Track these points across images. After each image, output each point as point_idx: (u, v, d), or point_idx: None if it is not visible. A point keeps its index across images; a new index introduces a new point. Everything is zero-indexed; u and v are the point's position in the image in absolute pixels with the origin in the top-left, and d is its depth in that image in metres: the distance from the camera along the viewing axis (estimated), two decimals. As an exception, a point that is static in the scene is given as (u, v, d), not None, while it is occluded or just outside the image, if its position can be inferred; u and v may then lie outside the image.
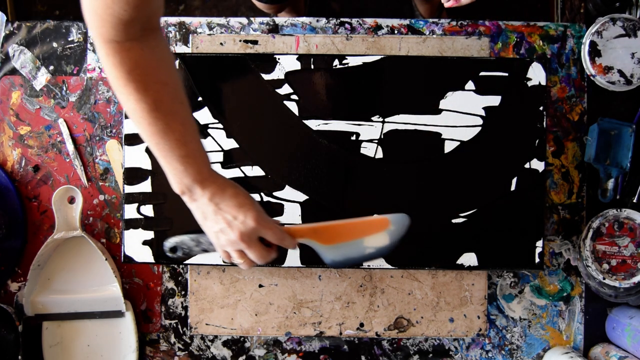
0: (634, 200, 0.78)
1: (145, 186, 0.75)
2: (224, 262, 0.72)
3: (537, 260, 0.74)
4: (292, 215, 0.75)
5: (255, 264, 0.61)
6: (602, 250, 0.75)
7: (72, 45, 0.83)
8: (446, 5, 0.73)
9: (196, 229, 0.61)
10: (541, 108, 0.74)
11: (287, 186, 0.75)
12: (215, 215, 0.58)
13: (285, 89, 0.75)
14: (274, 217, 0.74)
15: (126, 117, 0.75)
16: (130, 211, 0.75)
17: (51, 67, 0.83)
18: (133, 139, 0.75)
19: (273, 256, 0.61)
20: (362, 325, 0.78)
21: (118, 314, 0.79)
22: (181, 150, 0.56)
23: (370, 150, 0.75)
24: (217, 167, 0.75)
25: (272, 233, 0.59)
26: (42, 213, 0.82)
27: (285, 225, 0.63)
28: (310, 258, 0.75)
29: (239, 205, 0.57)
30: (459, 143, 0.75)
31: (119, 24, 0.51)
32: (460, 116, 0.75)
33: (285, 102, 0.75)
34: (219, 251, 0.61)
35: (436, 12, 1.38)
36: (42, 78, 0.83)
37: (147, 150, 0.75)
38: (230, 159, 0.75)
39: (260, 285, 0.78)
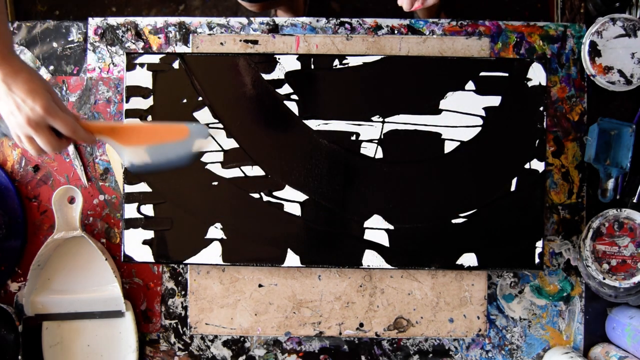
0: (634, 200, 0.78)
1: (145, 186, 0.75)
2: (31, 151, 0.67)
3: (537, 260, 0.74)
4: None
5: (45, 151, 0.61)
6: (602, 250, 0.75)
7: (72, 45, 0.83)
8: (406, 9, 0.72)
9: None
10: (541, 108, 0.74)
11: (287, 186, 0.75)
12: (6, 97, 0.59)
13: (285, 89, 0.75)
14: (274, 217, 0.75)
15: (126, 116, 0.75)
16: (130, 211, 0.75)
17: (51, 67, 0.83)
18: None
19: (64, 146, 0.62)
20: (361, 325, 0.78)
21: (118, 314, 0.79)
22: None
23: (370, 150, 0.75)
24: (217, 167, 0.75)
25: (62, 124, 0.60)
26: (42, 213, 0.82)
27: (83, 120, 0.64)
28: (310, 258, 0.75)
29: (29, 90, 0.58)
30: (459, 143, 0.75)
31: None
32: (460, 116, 0.75)
33: (285, 102, 0.75)
34: (11, 135, 0.61)
35: (435, 12, 1.38)
36: (42, 78, 0.83)
37: (148, 69, 0.75)
38: (230, 159, 0.75)
39: (260, 285, 0.78)
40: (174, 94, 0.75)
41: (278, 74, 0.75)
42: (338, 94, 0.75)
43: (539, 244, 0.74)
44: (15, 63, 0.59)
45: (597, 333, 0.80)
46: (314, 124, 0.75)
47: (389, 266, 0.74)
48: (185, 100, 0.75)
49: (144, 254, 0.75)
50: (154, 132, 0.66)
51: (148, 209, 0.75)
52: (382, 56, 0.75)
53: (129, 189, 0.75)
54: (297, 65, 0.75)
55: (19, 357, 0.76)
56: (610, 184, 0.78)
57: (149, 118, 0.75)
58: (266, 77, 0.75)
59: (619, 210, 0.74)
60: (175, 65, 0.75)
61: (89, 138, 0.63)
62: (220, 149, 0.75)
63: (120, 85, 0.82)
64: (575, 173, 0.81)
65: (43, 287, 0.79)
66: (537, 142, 0.74)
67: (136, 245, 0.75)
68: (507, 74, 0.74)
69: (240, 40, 0.80)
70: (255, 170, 0.75)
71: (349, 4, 1.48)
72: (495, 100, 0.74)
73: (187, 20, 0.83)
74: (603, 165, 0.78)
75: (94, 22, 0.83)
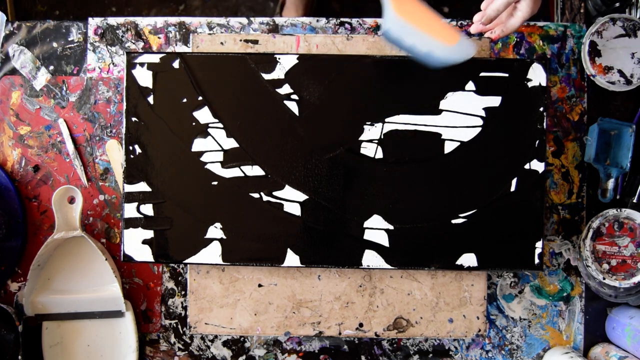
0: (634, 200, 0.78)
1: (145, 186, 0.75)
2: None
3: (537, 260, 0.74)
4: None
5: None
6: (602, 250, 0.75)
7: (72, 45, 0.83)
8: (492, 37, 0.73)
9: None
10: (541, 109, 0.74)
11: (287, 186, 0.75)
12: None
13: (285, 89, 0.75)
14: (273, 217, 0.75)
15: (126, 116, 0.75)
16: (129, 210, 0.75)
17: (51, 67, 0.83)
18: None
19: None
20: (361, 325, 0.78)
21: (118, 314, 0.79)
22: None
23: (370, 150, 0.75)
24: (217, 167, 0.75)
25: None
26: (42, 213, 0.82)
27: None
28: (310, 258, 0.75)
29: None
30: (459, 143, 0.75)
31: None
32: (460, 117, 0.75)
33: (285, 102, 0.75)
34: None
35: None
36: (42, 78, 0.83)
37: (148, 68, 0.75)
38: (230, 159, 0.75)
39: (260, 285, 0.78)
40: (174, 93, 0.75)
41: (278, 74, 0.75)
42: (338, 94, 0.75)
43: (539, 244, 0.74)
44: None
45: (597, 333, 0.80)
46: (314, 124, 0.75)
47: (388, 266, 0.74)
48: (185, 100, 0.75)
49: (143, 254, 0.75)
50: (430, 20, 0.63)
51: (148, 209, 0.75)
52: (382, 56, 0.75)
53: (129, 188, 0.75)
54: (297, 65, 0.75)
55: (19, 357, 0.76)
56: (610, 184, 0.78)
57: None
58: (266, 77, 0.75)
59: (619, 210, 0.74)
60: (176, 64, 0.75)
61: None
62: (220, 148, 0.75)
63: (120, 86, 0.82)
64: (575, 173, 0.81)
65: (43, 287, 0.79)
66: (537, 142, 0.74)
67: (136, 245, 0.75)
68: (507, 75, 0.74)
69: (240, 40, 0.80)
70: (255, 170, 0.75)
71: (349, 4, 1.48)
72: (495, 101, 0.74)
73: (187, 20, 0.83)
74: (603, 165, 0.78)
75: (94, 22, 0.83)
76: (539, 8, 0.68)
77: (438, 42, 0.63)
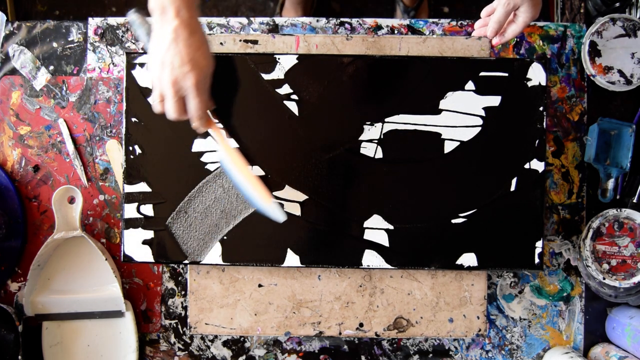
0: (634, 200, 0.78)
1: (145, 186, 0.75)
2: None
3: (537, 260, 0.74)
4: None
5: (164, 112, 0.61)
6: (602, 250, 0.75)
7: (72, 45, 0.83)
8: (493, 43, 0.74)
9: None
10: (541, 108, 0.74)
11: (287, 186, 0.75)
12: (169, 46, 0.57)
13: (285, 89, 0.75)
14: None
15: (126, 116, 0.75)
16: (130, 211, 0.75)
17: (51, 67, 0.83)
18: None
19: (180, 119, 0.61)
20: (361, 325, 0.78)
21: (118, 314, 0.79)
22: None
23: (370, 150, 0.75)
24: (217, 167, 0.75)
25: (199, 106, 0.60)
26: (42, 213, 0.82)
27: (216, 124, 0.67)
28: (310, 258, 0.75)
29: (193, 58, 0.57)
30: (458, 143, 0.75)
31: None
32: (460, 116, 0.75)
33: (285, 102, 0.75)
34: (150, 75, 0.60)
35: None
36: (42, 78, 0.83)
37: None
38: (230, 159, 0.75)
39: (260, 285, 0.78)
40: (173, 94, 0.75)
41: (278, 74, 0.75)
42: (338, 94, 0.75)
43: (539, 244, 0.74)
44: (195, 22, 0.57)
45: (597, 333, 0.80)
46: (314, 124, 0.75)
47: (388, 266, 0.74)
48: (185, 100, 0.75)
49: (143, 254, 0.75)
50: (251, 179, 0.69)
51: (148, 209, 0.75)
52: (382, 56, 0.75)
53: (129, 189, 0.75)
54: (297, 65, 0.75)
55: (19, 357, 0.76)
56: (610, 184, 0.78)
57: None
58: (266, 77, 0.75)
59: (619, 210, 0.74)
60: (175, 65, 0.75)
61: (203, 125, 0.64)
62: (220, 149, 0.75)
63: (120, 86, 0.82)
64: (575, 173, 0.81)
65: (43, 287, 0.79)
66: (537, 142, 0.74)
67: (136, 245, 0.75)
68: (507, 74, 0.74)
69: (240, 40, 0.80)
70: (255, 170, 0.75)
71: (349, 4, 1.48)
72: (495, 100, 0.74)
73: (187, 20, 0.83)
74: (603, 165, 0.78)
75: (94, 22, 0.83)
76: (539, 13, 0.68)
77: (255, 194, 0.69)
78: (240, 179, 0.69)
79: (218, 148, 0.69)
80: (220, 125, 0.69)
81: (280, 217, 0.68)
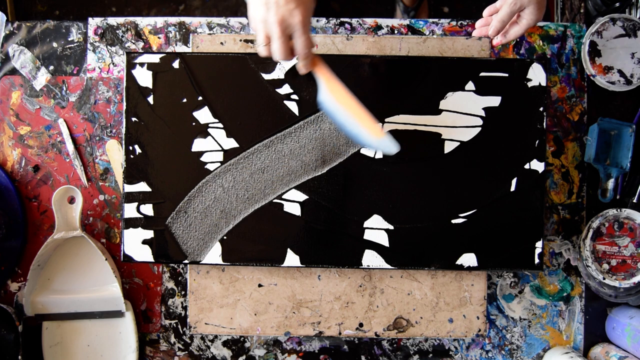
0: (634, 200, 0.78)
1: (145, 186, 0.75)
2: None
3: (536, 260, 0.74)
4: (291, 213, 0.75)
5: (271, 54, 0.61)
6: (602, 250, 0.75)
7: (72, 45, 0.83)
8: (494, 43, 0.73)
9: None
10: (541, 109, 0.74)
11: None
12: None
13: (285, 89, 0.75)
14: (274, 217, 0.75)
15: (126, 116, 0.75)
16: (129, 210, 0.75)
17: (51, 67, 0.83)
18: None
19: (288, 59, 0.61)
20: (361, 325, 0.78)
21: (118, 314, 0.79)
22: None
23: (370, 150, 0.75)
24: (217, 167, 0.75)
25: (305, 43, 0.60)
26: (42, 213, 0.82)
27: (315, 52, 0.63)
28: (310, 258, 0.75)
29: None
30: (458, 143, 0.75)
31: None
32: (460, 116, 0.75)
33: (285, 102, 0.75)
34: (252, 24, 0.61)
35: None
36: (42, 78, 0.83)
37: (148, 68, 0.75)
38: (230, 158, 0.75)
39: (260, 285, 0.78)
40: (174, 93, 0.75)
41: (278, 73, 0.75)
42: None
43: (539, 244, 0.74)
44: None
45: (597, 333, 0.80)
46: (314, 124, 0.75)
47: (388, 266, 0.74)
48: (185, 100, 0.75)
49: (143, 254, 0.75)
50: (358, 110, 0.66)
51: (148, 209, 0.75)
52: (382, 56, 0.75)
53: (129, 188, 0.75)
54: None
55: (19, 357, 0.76)
56: (610, 184, 0.78)
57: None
58: (266, 77, 0.75)
59: (619, 210, 0.74)
60: (175, 64, 0.75)
61: (306, 66, 0.64)
62: (220, 148, 0.75)
63: (120, 86, 0.82)
64: (575, 173, 0.81)
65: (43, 287, 0.79)
66: (537, 142, 0.74)
67: (136, 245, 0.75)
68: (507, 75, 0.74)
69: (240, 40, 0.80)
70: (255, 169, 0.75)
71: (349, 4, 1.48)
72: (495, 101, 0.74)
73: (187, 20, 0.83)
74: (603, 165, 0.78)
75: (94, 22, 0.83)
76: (543, 15, 0.68)
77: (365, 130, 0.66)
78: (347, 117, 0.66)
79: (321, 89, 0.67)
80: (324, 64, 0.67)
81: (394, 149, 0.66)
